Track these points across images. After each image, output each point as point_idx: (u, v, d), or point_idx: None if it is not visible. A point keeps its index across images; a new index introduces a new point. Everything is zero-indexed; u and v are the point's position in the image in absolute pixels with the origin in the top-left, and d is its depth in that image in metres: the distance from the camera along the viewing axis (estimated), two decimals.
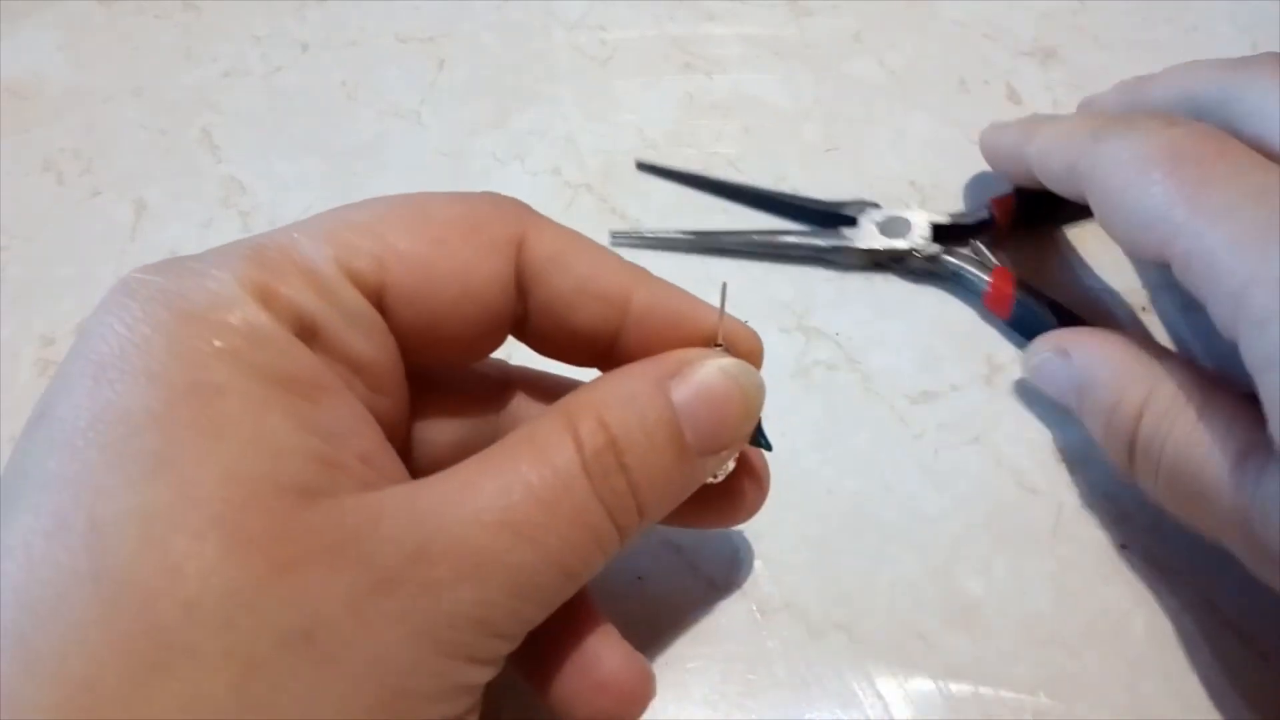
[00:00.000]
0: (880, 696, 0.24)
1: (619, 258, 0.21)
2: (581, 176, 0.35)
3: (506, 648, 0.17)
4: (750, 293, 0.31)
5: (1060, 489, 0.27)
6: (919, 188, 0.34)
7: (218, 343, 0.16)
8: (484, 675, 0.17)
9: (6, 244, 0.34)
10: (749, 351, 0.21)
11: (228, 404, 0.15)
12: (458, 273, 0.19)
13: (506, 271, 0.19)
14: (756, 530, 0.26)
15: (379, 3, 0.42)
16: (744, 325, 0.21)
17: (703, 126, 0.37)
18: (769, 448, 0.22)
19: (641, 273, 0.21)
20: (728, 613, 0.25)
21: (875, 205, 0.32)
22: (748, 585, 0.25)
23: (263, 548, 0.15)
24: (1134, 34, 0.39)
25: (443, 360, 0.21)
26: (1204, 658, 0.24)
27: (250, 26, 0.41)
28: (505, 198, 0.20)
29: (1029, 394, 0.29)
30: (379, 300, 0.19)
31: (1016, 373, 0.29)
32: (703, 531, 0.26)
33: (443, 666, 0.16)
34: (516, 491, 0.17)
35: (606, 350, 0.21)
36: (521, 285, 0.20)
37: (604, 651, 0.20)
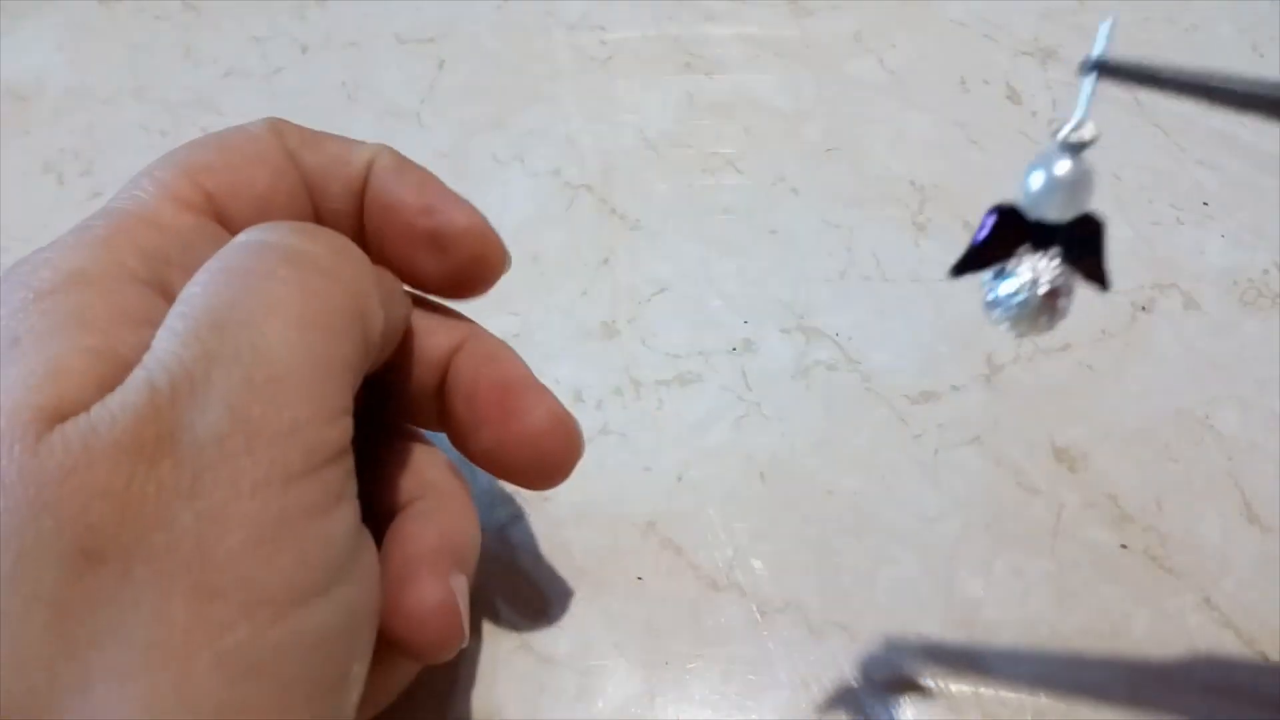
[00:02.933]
0: (880, 696, 0.24)
1: (362, 141, 0.22)
2: (581, 176, 0.35)
3: (298, 446, 0.15)
4: (750, 293, 0.32)
5: (1060, 489, 0.27)
6: (919, 188, 0.34)
7: (40, 297, 0.16)
8: (301, 492, 0.15)
9: (6, 244, 0.34)
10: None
11: (24, 347, 0.16)
12: (250, 158, 0.20)
13: (283, 153, 0.21)
14: (757, 530, 0.26)
15: (379, 3, 0.42)
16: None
17: (703, 126, 0.37)
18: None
19: (385, 149, 0.22)
20: (728, 613, 0.25)
21: None
22: (748, 585, 0.25)
23: (18, 481, 0.14)
24: (1134, 34, 0.39)
25: None
26: (1204, 658, 0.24)
27: (250, 27, 0.41)
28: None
29: (1029, 394, 0.29)
30: (216, 213, 0.20)
31: (1017, 373, 0.29)
32: (703, 531, 0.26)
33: (239, 507, 0.14)
34: (202, 297, 0.16)
35: (359, 228, 0.22)
36: (294, 165, 0.21)
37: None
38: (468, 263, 0.22)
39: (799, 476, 0.27)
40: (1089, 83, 0.17)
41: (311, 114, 0.38)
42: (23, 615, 0.13)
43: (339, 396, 0.16)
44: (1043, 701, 0.23)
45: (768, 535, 0.26)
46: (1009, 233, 0.17)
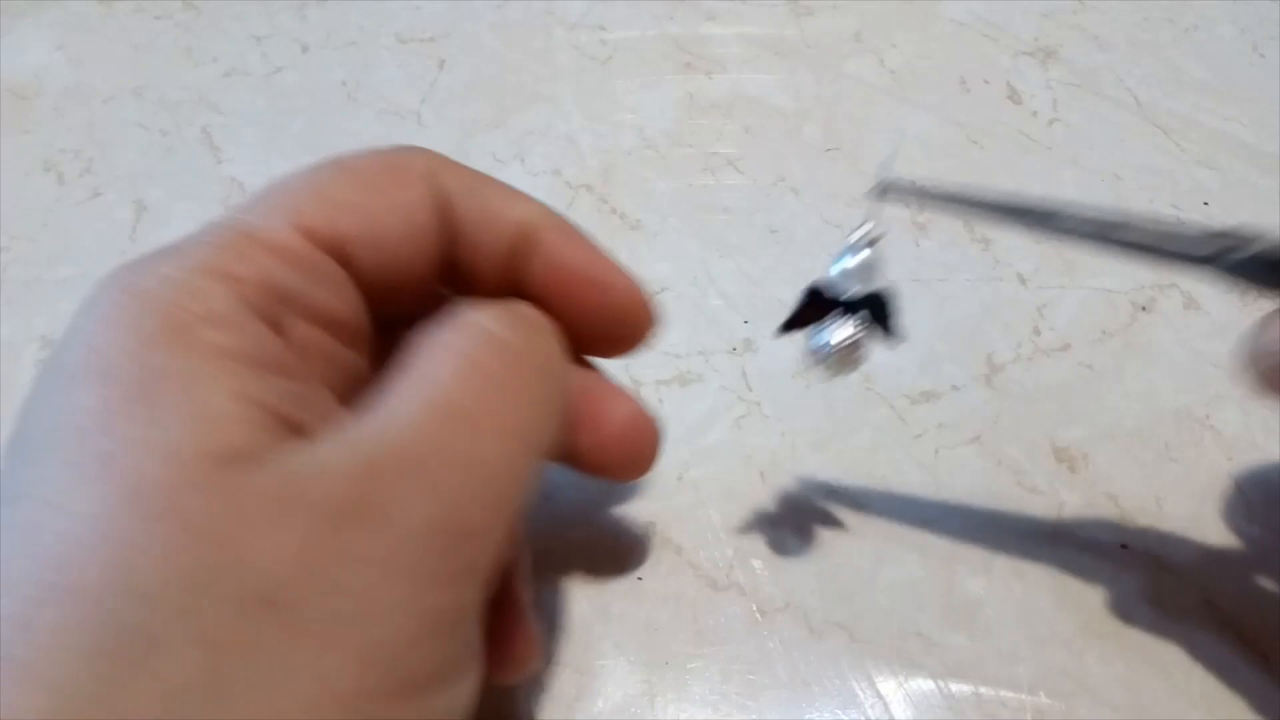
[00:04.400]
0: (880, 696, 0.24)
1: (529, 197, 0.21)
2: (581, 176, 0.35)
3: (486, 550, 0.17)
4: (750, 293, 0.31)
5: (1060, 489, 0.27)
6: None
7: (167, 324, 0.16)
8: (471, 593, 0.16)
9: (6, 244, 0.34)
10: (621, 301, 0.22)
11: (169, 387, 0.16)
12: (395, 208, 0.20)
13: (428, 199, 0.20)
14: (757, 530, 0.26)
15: (379, 3, 0.42)
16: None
17: (703, 126, 0.37)
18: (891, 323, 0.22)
19: (549, 213, 0.21)
20: (728, 613, 0.25)
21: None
22: (748, 585, 0.25)
23: (204, 524, 0.14)
24: (1134, 34, 0.39)
25: (404, 307, 0.21)
26: (1204, 658, 0.24)
27: (250, 26, 0.41)
28: (411, 145, 0.21)
29: (1029, 394, 0.29)
30: (339, 255, 0.19)
31: (1017, 373, 0.29)
32: (703, 531, 0.26)
33: (421, 596, 0.15)
34: (432, 385, 0.17)
35: (518, 280, 0.21)
36: (441, 217, 0.21)
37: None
38: (625, 331, 0.22)
39: (799, 476, 0.27)
40: (877, 201, 0.21)
41: (312, 114, 0.38)
42: (177, 645, 0.14)
43: (520, 506, 0.18)
44: (1043, 701, 0.23)
45: (768, 536, 0.26)
46: (822, 302, 0.22)
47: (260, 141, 0.37)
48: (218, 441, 0.15)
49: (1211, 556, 0.24)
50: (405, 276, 0.20)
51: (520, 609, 0.21)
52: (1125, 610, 0.25)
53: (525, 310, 0.20)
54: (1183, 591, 0.25)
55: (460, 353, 0.18)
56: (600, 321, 0.21)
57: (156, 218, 0.35)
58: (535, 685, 0.24)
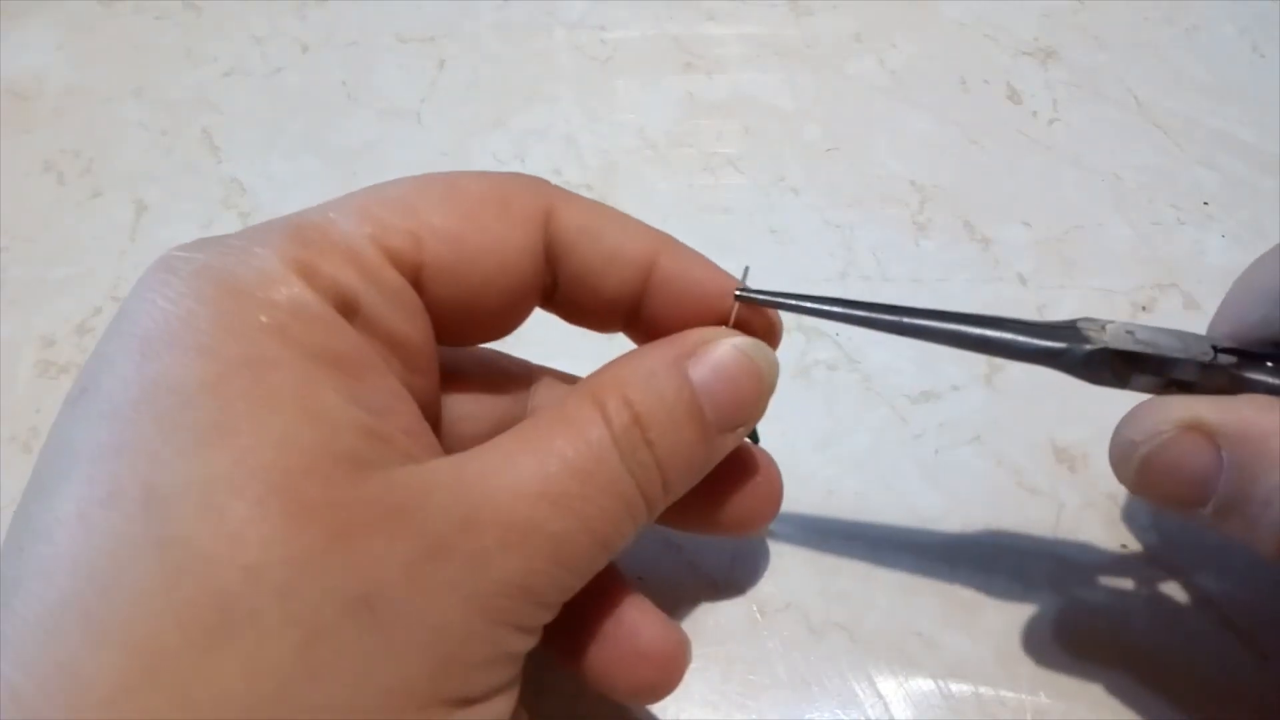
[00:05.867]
0: (880, 696, 0.24)
1: (644, 224, 0.21)
2: (581, 176, 0.35)
3: (547, 616, 0.18)
4: None
5: (1060, 489, 0.27)
6: (919, 187, 0.34)
7: (264, 318, 0.16)
8: (526, 644, 0.18)
9: (6, 244, 0.34)
10: (765, 327, 0.21)
11: (280, 376, 0.16)
12: (490, 247, 0.19)
13: (537, 244, 0.20)
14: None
15: (379, 3, 0.42)
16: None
17: (703, 126, 0.37)
18: (756, 441, 0.22)
19: (666, 239, 0.21)
20: (728, 613, 0.25)
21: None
22: (748, 585, 0.25)
23: (321, 516, 0.15)
24: (1134, 34, 0.39)
25: (473, 336, 0.21)
26: (1204, 658, 0.24)
27: (250, 26, 0.41)
28: (531, 176, 0.21)
29: (1029, 394, 0.29)
30: (415, 278, 0.19)
31: (1016, 373, 0.29)
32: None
33: (491, 634, 0.16)
34: (554, 464, 0.17)
35: (631, 317, 0.21)
36: (551, 257, 0.20)
37: (641, 621, 0.21)
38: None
39: (799, 476, 0.27)
40: (735, 308, 0.21)
41: (311, 114, 0.38)
42: (276, 624, 0.14)
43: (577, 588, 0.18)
44: (1043, 701, 0.23)
45: (768, 535, 0.26)
46: None
47: (260, 141, 0.37)
48: (334, 441, 0.15)
49: (1211, 556, 0.24)
50: (485, 314, 0.20)
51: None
52: (1125, 610, 0.25)
53: (652, 432, 0.19)
54: (1182, 591, 0.25)
55: (586, 444, 0.18)
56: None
57: (156, 217, 0.35)
58: (536, 685, 0.24)
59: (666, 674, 0.21)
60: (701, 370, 0.19)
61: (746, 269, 0.21)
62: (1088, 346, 0.20)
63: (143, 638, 0.13)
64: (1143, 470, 0.20)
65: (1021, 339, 0.20)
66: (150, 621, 0.13)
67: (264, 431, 0.15)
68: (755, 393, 0.20)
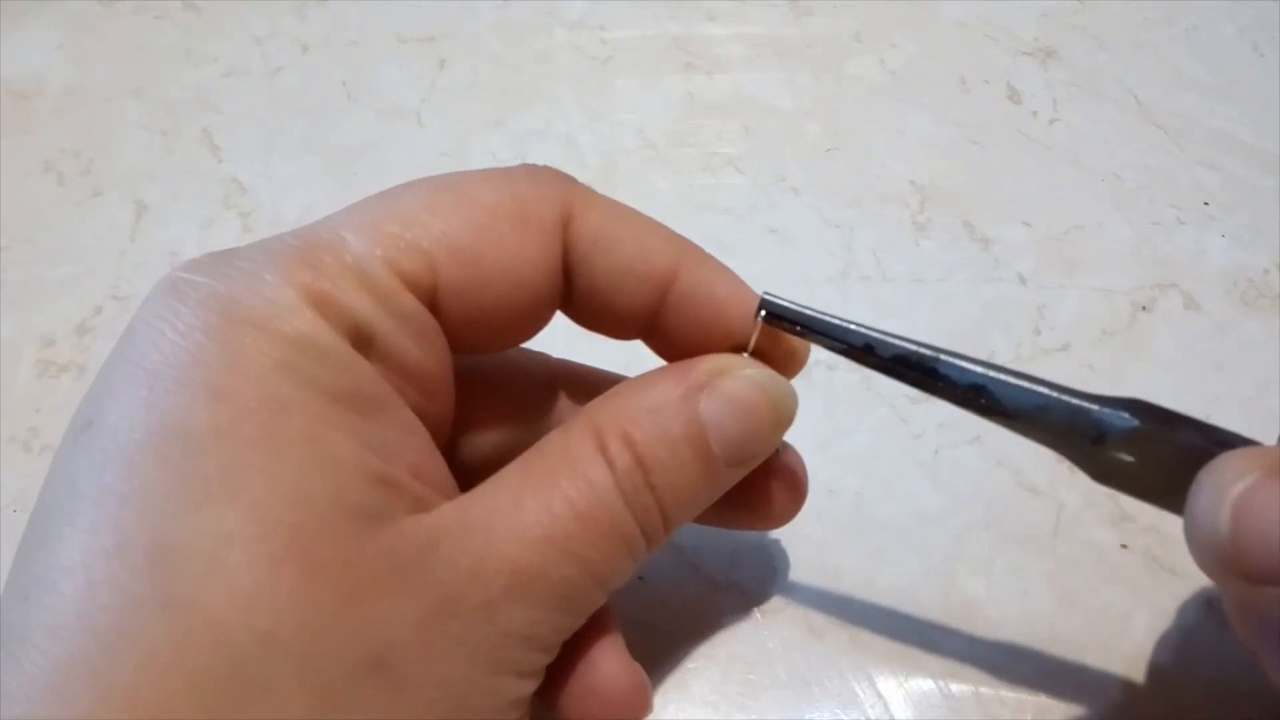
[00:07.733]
0: (881, 696, 0.24)
1: (666, 230, 0.20)
2: (581, 176, 0.35)
3: (547, 659, 0.18)
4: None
5: (1060, 489, 0.27)
6: (919, 187, 0.34)
7: (277, 355, 0.15)
8: (529, 687, 0.18)
9: (6, 244, 0.34)
10: (788, 352, 0.21)
11: (292, 423, 0.15)
12: (507, 262, 0.18)
13: (554, 256, 0.19)
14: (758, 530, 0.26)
15: (379, 3, 0.42)
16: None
17: (703, 126, 0.37)
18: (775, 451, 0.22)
19: (689, 251, 0.20)
20: (728, 613, 0.25)
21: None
22: (748, 585, 0.25)
23: (334, 576, 0.15)
24: (1134, 34, 0.39)
25: (488, 347, 0.20)
26: (1204, 658, 0.24)
27: (250, 26, 0.41)
28: (545, 170, 0.20)
29: None
30: (430, 300, 0.18)
31: None
32: (703, 531, 0.26)
33: (498, 684, 0.17)
34: (558, 508, 0.17)
35: (649, 328, 0.20)
36: (568, 265, 0.19)
37: (601, 658, 0.20)
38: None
39: None
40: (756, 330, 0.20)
41: (312, 114, 0.38)
42: (290, 688, 0.14)
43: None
44: (1043, 701, 0.23)
45: (768, 535, 0.26)
46: None
47: (260, 141, 0.37)
48: (344, 493, 0.15)
49: None
50: (502, 328, 0.19)
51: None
52: (1125, 610, 0.25)
53: (653, 475, 0.18)
54: (1182, 591, 0.25)
55: (589, 485, 0.17)
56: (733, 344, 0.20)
57: (156, 217, 0.35)
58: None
59: (616, 714, 0.20)
60: (712, 405, 0.18)
61: (762, 299, 0.20)
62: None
63: (154, 703, 0.13)
64: (1236, 519, 0.16)
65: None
66: (161, 687, 0.13)
67: (274, 485, 0.15)
68: (768, 429, 0.19)
